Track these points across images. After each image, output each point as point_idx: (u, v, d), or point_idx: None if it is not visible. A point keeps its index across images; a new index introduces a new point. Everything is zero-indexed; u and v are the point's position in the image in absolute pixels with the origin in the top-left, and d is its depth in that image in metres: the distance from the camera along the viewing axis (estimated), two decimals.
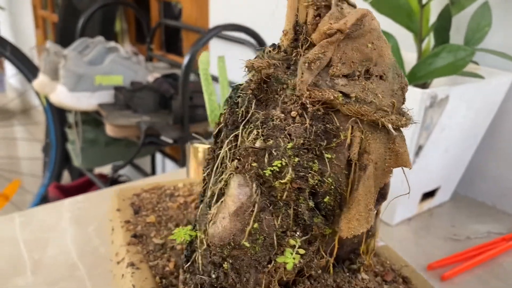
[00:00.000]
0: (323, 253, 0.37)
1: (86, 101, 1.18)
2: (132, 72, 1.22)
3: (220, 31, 1.01)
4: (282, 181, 0.32)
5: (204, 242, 0.35)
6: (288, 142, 0.33)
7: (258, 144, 0.33)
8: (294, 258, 0.34)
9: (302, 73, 0.33)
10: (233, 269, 0.34)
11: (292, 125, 0.33)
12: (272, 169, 0.33)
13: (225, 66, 0.70)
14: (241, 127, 0.36)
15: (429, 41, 0.70)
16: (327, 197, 0.34)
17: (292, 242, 0.34)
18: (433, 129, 0.63)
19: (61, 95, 1.16)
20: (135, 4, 1.71)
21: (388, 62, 0.36)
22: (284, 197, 0.33)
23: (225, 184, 0.35)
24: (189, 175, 0.69)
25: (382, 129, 0.34)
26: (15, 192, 1.64)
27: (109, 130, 1.02)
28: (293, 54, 0.36)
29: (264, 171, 0.33)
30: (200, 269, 0.37)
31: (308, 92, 0.33)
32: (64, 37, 1.78)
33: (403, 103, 0.37)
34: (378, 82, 0.35)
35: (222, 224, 0.33)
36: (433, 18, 0.68)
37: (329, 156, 0.33)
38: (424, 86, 0.68)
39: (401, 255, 0.53)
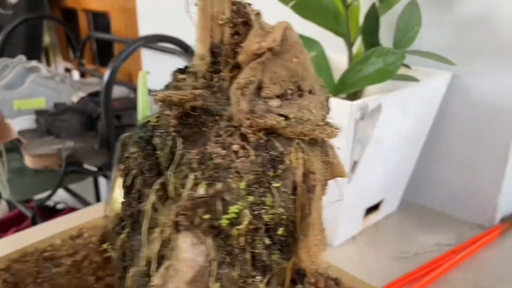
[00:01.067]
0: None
1: None
2: (56, 93, 1.12)
3: (142, 44, 0.92)
4: (239, 227, 0.29)
5: None
6: (239, 181, 0.30)
7: (201, 190, 0.29)
8: None
9: (238, 101, 0.30)
10: None
11: (237, 160, 0.30)
12: (229, 217, 0.29)
13: (145, 83, 0.63)
14: (168, 173, 0.31)
15: (361, 44, 0.65)
16: (280, 229, 0.31)
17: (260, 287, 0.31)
18: (367, 141, 0.57)
19: None
20: (61, 17, 1.60)
21: (313, 74, 0.34)
22: (241, 243, 0.30)
23: (164, 245, 0.31)
24: (109, 209, 0.62)
25: (316, 144, 0.33)
26: None
27: (28, 161, 0.92)
28: (215, 80, 0.32)
29: (220, 222, 0.29)
30: None
31: (248, 121, 0.30)
32: None
33: (328, 113, 0.35)
34: (310, 97, 0.33)
35: None
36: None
37: (277, 185, 0.31)
38: (356, 95, 0.62)
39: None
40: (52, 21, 1.69)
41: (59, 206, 1.43)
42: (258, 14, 0.33)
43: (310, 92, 0.33)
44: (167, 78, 0.36)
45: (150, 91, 0.38)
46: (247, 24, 0.32)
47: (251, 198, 0.30)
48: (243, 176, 0.30)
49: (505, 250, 0.64)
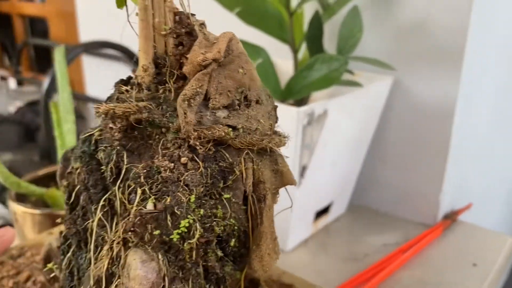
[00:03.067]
0: None
1: None
2: None
3: (83, 50, 0.89)
4: (191, 241, 0.29)
5: None
6: (189, 195, 0.29)
7: (150, 206, 0.29)
8: None
9: (185, 113, 0.30)
10: None
11: (186, 173, 0.30)
12: (180, 231, 0.29)
13: (64, 60, 0.61)
14: (114, 188, 0.31)
15: (306, 50, 0.65)
16: (233, 240, 0.32)
17: None
18: (315, 146, 0.58)
19: None
20: None
21: (259, 84, 0.35)
22: (193, 257, 0.29)
23: (113, 262, 0.30)
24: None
25: (265, 154, 0.33)
26: None
27: None
28: (160, 91, 0.32)
29: (171, 237, 0.28)
30: None
31: (196, 133, 0.30)
32: None
33: (276, 122, 0.36)
34: (257, 107, 0.34)
35: None
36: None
37: (227, 196, 0.31)
38: (302, 101, 0.63)
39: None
40: None
41: None
42: (202, 24, 0.33)
43: (257, 102, 0.34)
44: (111, 86, 0.35)
45: (92, 101, 0.37)
46: (191, 35, 0.32)
47: (201, 211, 0.30)
48: (192, 189, 0.30)
49: (448, 246, 0.67)
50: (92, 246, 0.32)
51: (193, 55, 0.31)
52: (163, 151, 0.31)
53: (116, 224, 0.31)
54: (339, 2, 0.61)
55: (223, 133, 0.30)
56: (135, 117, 0.31)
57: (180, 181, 0.29)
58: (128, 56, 0.97)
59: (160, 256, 0.29)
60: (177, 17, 0.32)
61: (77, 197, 0.34)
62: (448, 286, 0.59)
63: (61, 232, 0.36)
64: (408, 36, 0.67)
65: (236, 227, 0.31)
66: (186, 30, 0.32)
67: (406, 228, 0.72)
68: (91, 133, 0.33)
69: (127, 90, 0.33)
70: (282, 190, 0.59)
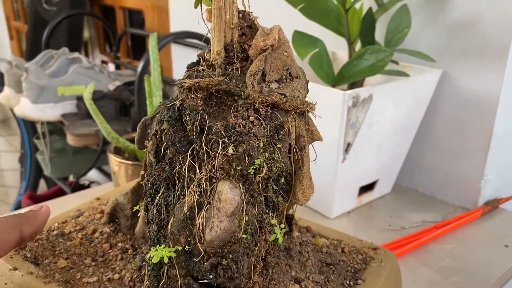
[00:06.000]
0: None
1: (49, 112, 1.20)
2: (95, 82, 1.25)
3: (172, 39, 1.04)
4: (260, 175, 0.39)
5: (194, 251, 0.38)
6: (258, 142, 0.39)
7: (230, 151, 0.38)
8: (281, 233, 0.41)
9: (252, 84, 0.40)
10: (233, 262, 0.38)
11: (253, 128, 0.39)
12: (254, 167, 0.39)
13: (156, 45, 0.75)
14: (200, 141, 0.40)
15: None
16: (282, 178, 0.41)
17: (273, 221, 0.40)
18: (360, 126, 0.67)
19: (25, 108, 1.18)
20: (100, 14, 1.73)
21: (297, 64, 0.44)
22: (260, 188, 0.39)
23: (201, 194, 0.39)
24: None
25: (302, 116, 0.42)
26: None
27: (70, 139, 1.05)
28: (229, 70, 0.42)
29: (248, 171, 0.39)
30: (180, 282, 0.39)
31: (260, 99, 0.40)
32: (34, 48, 1.80)
33: (307, 93, 0.45)
34: (297, 81, 0.43)
35: (221, 227, 0.37)
36: None
37: (279, 146, 0.40)
38: (357, 86, 0.72)
39: None
40: (92, 17, 1.83)
41: (93, 186, 1.56)
42: (256, 19, 0.43)
43: (296, 77, 0.43)
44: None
45: (173, 80, 0.47)
46: (251, 27, 0.42)
47: (266, 154, 0.40)
48: (260, 139, 0.39)
49: (483, 228, 0.72)
50: (181, 186, 0.41)
51: (256, 41, 0.41)
52: (234, 113, 0.40)
53: (201, 167, 0.40)
54: (392, 1, 0.68)
55: (278, 99, 0.40)
56: (216, 88, 0.40)
57: (251, 133, 0.39)
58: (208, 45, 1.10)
59: (240, 185, 0.39)
60: (240, 15, 0.42)
61: (163, 151, 0.42)
62: (476, 262, 0.64)
63: (144, 180, 0.44)
64: (459, 33, 0.73)
65: (284, 169, 0.41)
66: (247, 24, 0.42)
67: (446, 210, 0.77)
68: (174, 102, 0.42)
69: (203, 70, 0.43)
70: (327, 164, 0.68)
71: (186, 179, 0.40)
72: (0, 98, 1.30)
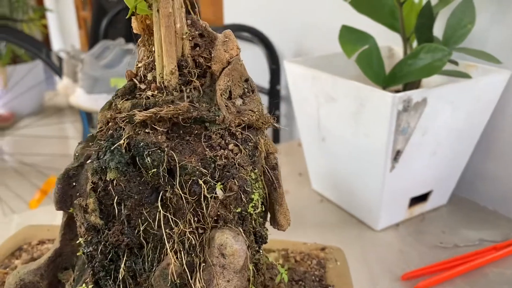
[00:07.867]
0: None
1: (103, 102, 1.21)
2: None
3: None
4: (257, 211, 0.34)
5: None
6: (248, 174, 0.34)
7: (219, 191, 0.32)
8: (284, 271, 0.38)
9: (226, 105, 0.34)
10: None
11: (236, 157, 0.34)
12: (252, 205, 0.34)
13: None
14: (172, 186, 0.33)
15: None
16: (261, 205, 0.36)
17: (270, 259, 0.37)
18: (412, 133, 0.60)
19: (79, 98, 1.21)
20: None
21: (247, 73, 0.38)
22: (253, 224, 0.35)
23: (188, 253, 0.33)
24: None
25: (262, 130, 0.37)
26: (51, 188, 1.74)
27: None
28: (187, 91, 0.34)
29: (248, 211, 0.33)
30: None
31: (237, 121, 0.34)
32: (94, 38, 1.85)
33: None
34: (256, 93, 0.38)
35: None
36: None
37: (256, 170, 0.35)
38: (412, 87, 0.65)
39: (380, 262, 0.55)
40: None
41: None
42: (207, 26, 0.36)
43: (253, 91, 0.38)
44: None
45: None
46: (203, 36, 0.35)
47: (257, 185, 0.34)
48: (246, 169, 0.33)
49: None
50: (152, 247, 0.33)
51: (219, 53, 0.34)
52: (207, 143, 0.33)
53: (178, 218, 0.32)
54: None
55: (253, 117, 0.34)
56: (184, 116, 0.32)
57: (235, 164, 0.33)
58: (260, 39, 1.06)
59: (240, 229, 0.33)
60: (189, 21, 0.34)
61: (113, 209, 0.33)
62: None
63: (83, 249, 0.34)
64: None
65: (263, 194, 0.36)
66: (198, 32, 0.34)
67: (509, 228, 0.69)
68: (117, 142, 0.33)
69: (153, 95, 0.34)
70: (374, 172, 0.62)
71: (165, 237, 0.32)
72: (59, 87, 1.34)
